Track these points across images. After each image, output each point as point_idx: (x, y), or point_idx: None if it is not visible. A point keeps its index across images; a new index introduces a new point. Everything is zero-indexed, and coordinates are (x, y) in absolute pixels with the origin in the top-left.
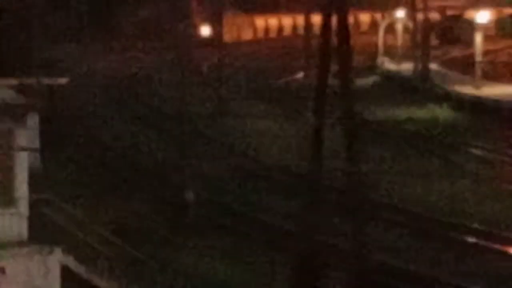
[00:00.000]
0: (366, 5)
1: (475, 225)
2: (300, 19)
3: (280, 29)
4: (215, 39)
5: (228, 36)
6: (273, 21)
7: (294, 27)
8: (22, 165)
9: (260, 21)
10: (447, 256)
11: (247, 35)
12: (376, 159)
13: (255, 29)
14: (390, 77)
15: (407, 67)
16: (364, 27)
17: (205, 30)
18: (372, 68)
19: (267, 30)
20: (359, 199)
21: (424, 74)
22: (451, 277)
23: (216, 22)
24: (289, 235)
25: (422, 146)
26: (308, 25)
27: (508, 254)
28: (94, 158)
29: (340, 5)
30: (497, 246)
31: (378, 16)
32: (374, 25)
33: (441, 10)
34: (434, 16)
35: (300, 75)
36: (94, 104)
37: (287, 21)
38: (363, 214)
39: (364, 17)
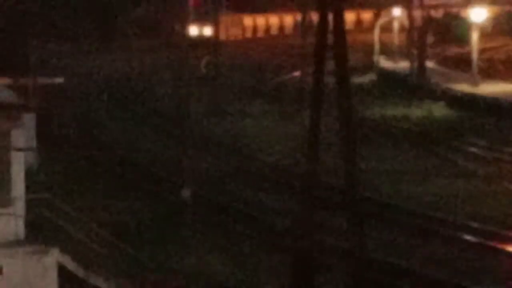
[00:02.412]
0: (362, 3)
1: (473, 223)
2: (296, 18)
3: (276, 27)
4: (212, 38)
5: (224, 34)
6: (268, 20)
7: (290, 26)
8: (19, 165)
9: (255, 20)
10: (445, 254)
11: (244, 33)
12: (373, 157)
13: (250, 28)
14: (386, 75)
15: (403, 65)
16: (361, 25)
17: (202, 29)
18: (368, 66)
19: (262, 28)
20: (356, 197)
21: (420, 72)
22: (450, 275)
23: (212, 21)
24: (286, 234)
25: (419, 144)
26: (304, 24)
27: (505, 252)
28: (91, 158)
29: (336, 3)
30: (495, 244)
31: (374, 14)
32: (370, 23)
33: (437, 8)
34: (430, 14)
35: (296, 73)
36: (91, 103)
37: (283, 19)
38: (360, 212)
39: (361, 16)
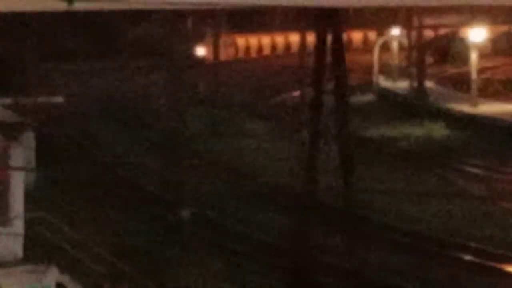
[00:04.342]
0: (361, 23)
1: (470, 243)
2: (295, 38)
3: (275, 47)
4: (210, 58)
5: (222, 55)
6: (267, 40)
7: (289, 46)
8: (17, 184)
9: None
10: (442, 273)
11: (241, 54)
12: (371, 177)
13: (249, 48)
14: (385, 95)
15: (402, 85)
16: (359, 45)
17: (200, 49)
18: (367, 86)
19: (261, 48)
20: (353, 216)
21: (419, 92)
22: None
23: (211, 41)
24: (284, 253)
25: (417, 164)
26: (303, 44)
27: (502, 272)
28: (89, 177)
29: (334, 23)
30: (491, 264)
31: (373, 34)
32: (369, 43)
33: (437, 28)
34: (430, 34)
35: (295, 93)
36: (90, 123)
37: (281, 39)
38: (357, 232)
39: (359, 35)
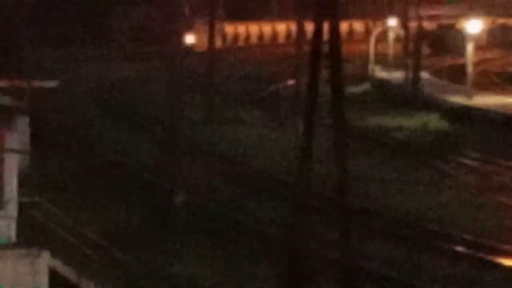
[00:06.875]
0: (358, 13)
1: (463, 235)
2: (291, 26)
3: (270, 36)
4: (206, 46)
5: (219, 42)
6: (264, 28)
7: (286, 34)
8: (11, 168)
9: (250, 28)
10: (434, 265)
11: (238, 42)
12: (365, 167)
13: (245, 36)
14: (381, 85)
15: (398, 75)
16: (356, 35)
17: (196, 37)
18: (363, 76)
19: (257, 37)
20: (347, 206)
21: (415, 83)
22: (438, 286)
23: (207, 29)
24: (276, 242)
25: (411, 154)
26: (300, 32)
27: (495, 264)
28: (83, 162)
29: (332, 13)
30: (484, 256)
31: (370, 24)
32: (366, 33)
33: (433, 19)
34: (426, 25)
35: (291, 82)
36: (84, 108)
37: (278, 28)
38: (351, 222)
39: (356, 25)
